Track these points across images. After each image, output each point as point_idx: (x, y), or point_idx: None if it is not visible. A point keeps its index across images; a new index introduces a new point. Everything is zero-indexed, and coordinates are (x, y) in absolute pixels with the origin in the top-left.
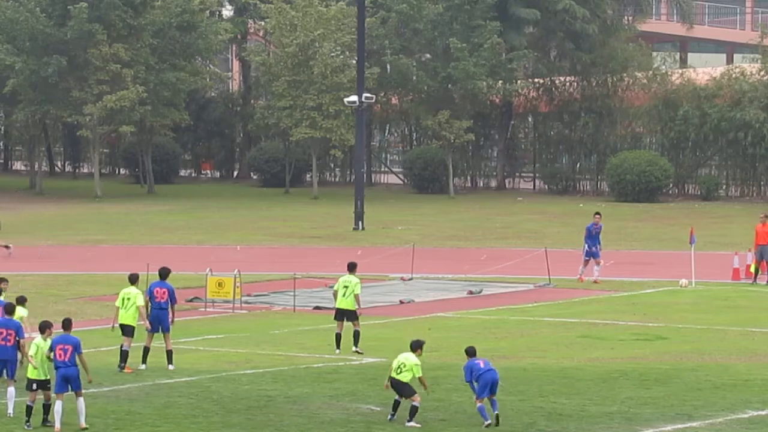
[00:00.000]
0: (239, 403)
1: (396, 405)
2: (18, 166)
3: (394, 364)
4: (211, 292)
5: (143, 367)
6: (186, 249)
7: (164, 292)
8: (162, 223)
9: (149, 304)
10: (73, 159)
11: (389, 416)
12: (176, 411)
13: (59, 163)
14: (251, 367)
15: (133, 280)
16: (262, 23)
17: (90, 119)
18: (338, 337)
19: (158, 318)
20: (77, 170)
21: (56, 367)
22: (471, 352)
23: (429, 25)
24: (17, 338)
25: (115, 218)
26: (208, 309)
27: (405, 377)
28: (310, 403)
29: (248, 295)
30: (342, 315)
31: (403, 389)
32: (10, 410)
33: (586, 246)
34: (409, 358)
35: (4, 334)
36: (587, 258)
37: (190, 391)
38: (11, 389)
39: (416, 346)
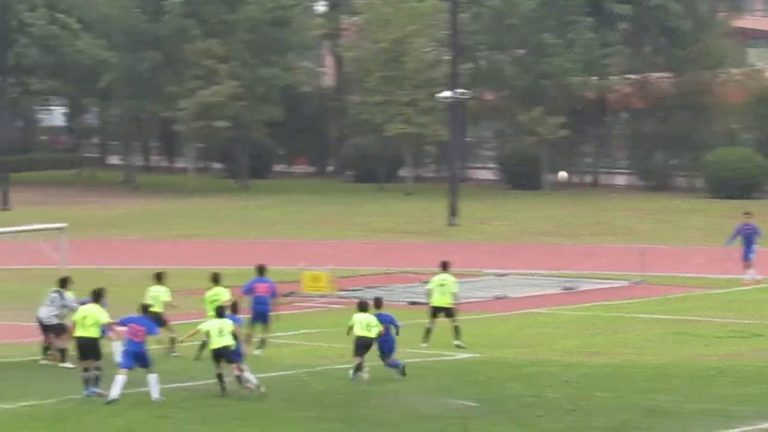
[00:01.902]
0: (334, 398)
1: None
2: (113, 160)
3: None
4: (307, 286)
5: (258, 352)
6: (280, 244)
7: (266, 287)
8: (256, 219)
9: (248, 297)
10: (167, 154)
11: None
12: (271, 405)
13: (154, 158)
14: (346, 361)
15: (217, 279)
16: (356, 19)
17: (184, 114)
18: (428, 331)
19: (260, 311)
20: (172, 165)
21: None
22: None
23: (522, 21)
24: (148, 334)
25: (209, 213)
26: (303, 304)
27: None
28: (405, 398)
29: (343, 290)
30: (437, 312)
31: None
32: (114, 393)
33: (743, 247)
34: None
35: (135, 330)
36: (747, 260)
37: (286, 384)
38: (153, 375)
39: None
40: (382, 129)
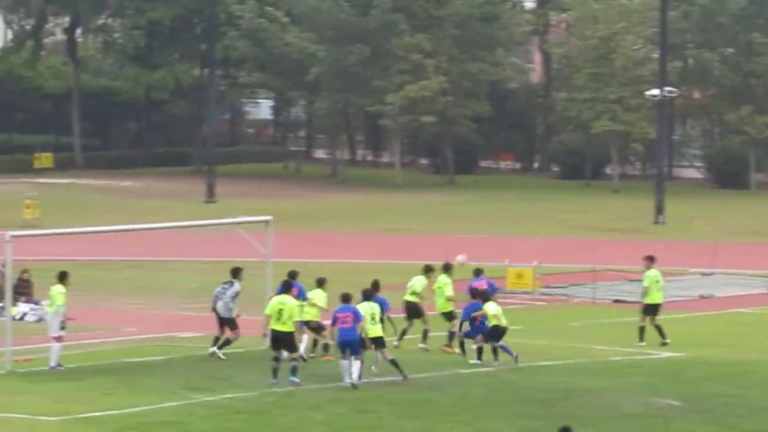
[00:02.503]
0: (537, 395)
1: None
2: (319, 154)
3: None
4: (511, 283)
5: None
6: (485, 239)
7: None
8: (461, 214)
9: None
10: (373, 148)
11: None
12: (474, 401)
13: (360, 152)
14: (549, 358)
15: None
16: (564, 15)
17: (391, 109)
18: (642, 330)
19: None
20: (378, 159)
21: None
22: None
23: (732, 19)
24: (356, 322)
25: (414, 208)
26: (507, 300)
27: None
28: (608, 397)
29: (547, 287)
30: (653, 310)
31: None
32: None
33: None
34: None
35: (342, 318)
36: None
37: (489, 381)
38: (357, 362)
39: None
40: (589, 126)
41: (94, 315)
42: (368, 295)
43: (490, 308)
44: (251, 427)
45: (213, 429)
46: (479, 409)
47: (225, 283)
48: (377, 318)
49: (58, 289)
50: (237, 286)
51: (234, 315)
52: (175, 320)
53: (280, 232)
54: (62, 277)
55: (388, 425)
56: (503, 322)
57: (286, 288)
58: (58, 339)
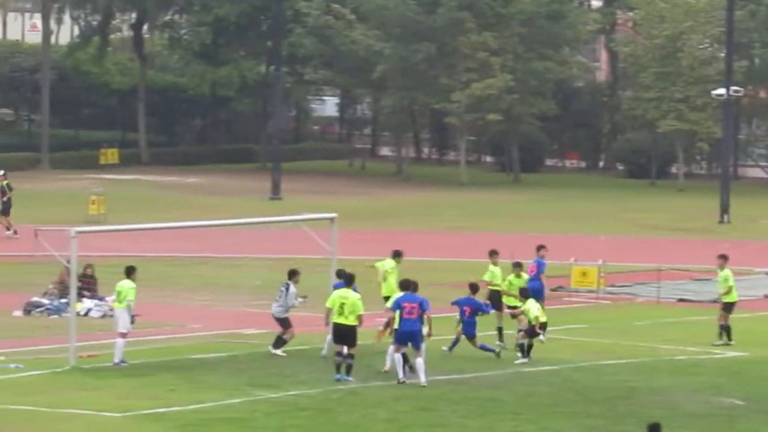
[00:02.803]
0: (601, 393)
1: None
2: (384, 151)
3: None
4: (575, 281)
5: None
6: (550, 238)
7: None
8: (527, 212)
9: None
10: (439, 146)
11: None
12: (538, 399)
13: (425, 150)
14: (613, 357)
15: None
16: (631, 14)
17: (457, 106)
18: (728, 328)
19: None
20: (443, 157)
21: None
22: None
23: None
24: (422, 311)
25: (479, 206)
26: (571, 298)
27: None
28: (672, 396)
29: (612, 286)
30: (732, 308)
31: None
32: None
33: None
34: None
35: (408, 308)
36: None
37: (552, 379)
38: (419, 360)
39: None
40: (655, 125)
41: (160, 311)
42: (407, 287)
43: (533, 307)
44: (314, 424)
45: (276, 426)
46: (543, 408)
47: (283, 285)
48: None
49: (127, 284)
50: (292, 288)
51: (285, 315)
52: (240, 317)
53: (344, 229)
54: (129, 272)
55: (452, 423)
56: (543, 318)
57: (347, 281)
58: (123, 335)
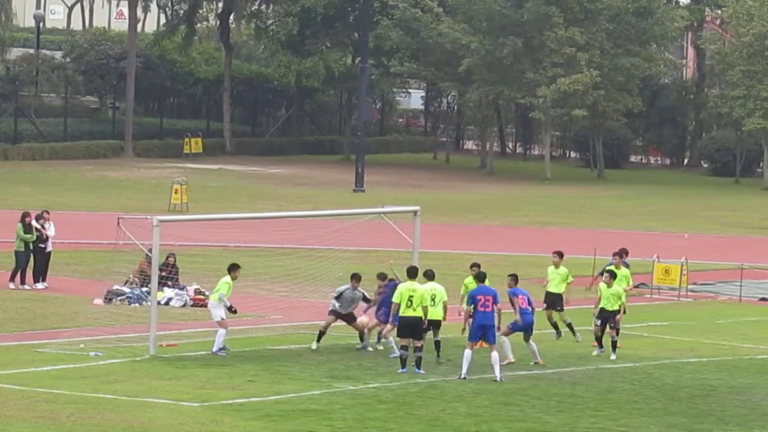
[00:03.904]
0: (681, 391)
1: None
2: (469, 145)
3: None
4: (658, 278)
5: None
6: (634, 235)
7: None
8: (611, 208)
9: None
10: (524, 140)
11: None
12: (618, 396)
13: (510, 144)
14: (695, 355)
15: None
16: (719, 12)
17: (543, 101)
18: None
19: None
20: (528, 152)
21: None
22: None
23: None
24: (495, 304)
25: (564, 201)
26: (653, 296)
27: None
28: (753, 395)
29: (694, 284)
30: None
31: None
32: (464, 373)
33: None
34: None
35: (483, 300)
36: None
37: (633, 377)
38: (494, 354)
39: None
40: (741, 123)
41: (242, 302)
42: (432, 276)
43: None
44: (393, 417)
45: (355, 418)
46: (623, 405)
47: (347, 288)
48: (437, 300)
49: (224, 279)
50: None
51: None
52: (321, 309)
53: (427, 222)
54: (230, 269)
55: (531, 419)
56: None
57: (412, 274)
58: (221, 324)
